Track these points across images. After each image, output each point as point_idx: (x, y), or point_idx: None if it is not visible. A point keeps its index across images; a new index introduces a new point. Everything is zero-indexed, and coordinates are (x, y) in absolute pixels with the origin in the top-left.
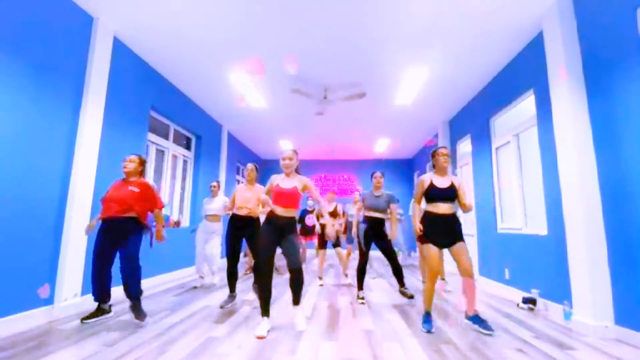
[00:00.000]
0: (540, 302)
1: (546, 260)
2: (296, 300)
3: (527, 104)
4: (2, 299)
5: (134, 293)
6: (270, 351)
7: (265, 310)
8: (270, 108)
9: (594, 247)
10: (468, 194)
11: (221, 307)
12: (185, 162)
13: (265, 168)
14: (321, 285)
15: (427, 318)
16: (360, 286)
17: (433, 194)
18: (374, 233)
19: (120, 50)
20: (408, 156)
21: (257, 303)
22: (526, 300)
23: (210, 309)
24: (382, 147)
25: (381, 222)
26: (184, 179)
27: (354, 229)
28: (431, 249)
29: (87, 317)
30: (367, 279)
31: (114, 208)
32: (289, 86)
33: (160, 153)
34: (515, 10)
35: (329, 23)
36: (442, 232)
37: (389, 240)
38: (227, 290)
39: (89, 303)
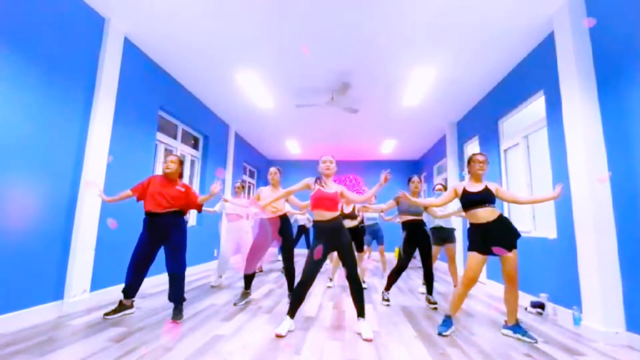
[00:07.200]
0: (549, 306)
1: (555, 264)
2: (359, 311)
3: (537, 105)
4: (13, 294)
5: (178, 297)
6: (275, 350)
7: (292, 312)
8: (277, 109)
9: (604, 251)
10: (509, 191)
11: (235, 304)
12: (192, 161)
13: None
14: (330, 286)
15: (448, 322)
16: (388, 287)
17: (467, 200)
18: (417, 237)
19: (130, 50)
20: (415, 157)
21: (263, 302)
22: (534, 305)
23: (217, 307)
24: (388, 148)
25: (420, 223)
26: (191, 178)
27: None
28: (475, 257)
29: (110, 313)
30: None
31: (162, 204)
32: (296, 86)
33: (168, 152)
34: (525, 11)
35: (336, 25)
36: (492, 241)
37: (429, 244)
38: (232, 290)
39: (98, 299)
